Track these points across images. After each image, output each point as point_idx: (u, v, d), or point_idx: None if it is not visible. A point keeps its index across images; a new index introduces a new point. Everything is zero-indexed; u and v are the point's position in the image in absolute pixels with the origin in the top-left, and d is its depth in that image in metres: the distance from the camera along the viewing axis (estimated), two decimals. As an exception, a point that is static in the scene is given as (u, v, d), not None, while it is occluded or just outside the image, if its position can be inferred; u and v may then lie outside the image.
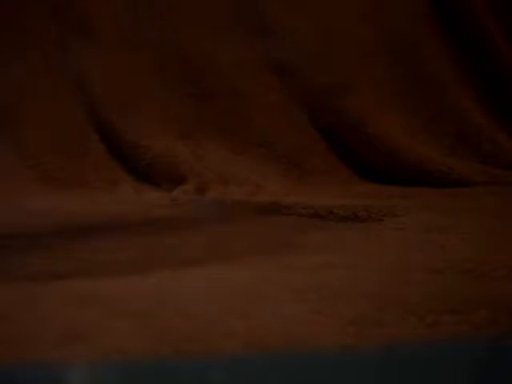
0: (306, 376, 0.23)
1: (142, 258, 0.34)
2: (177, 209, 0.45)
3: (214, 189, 0.48)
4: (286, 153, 0.53)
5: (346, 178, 0.52)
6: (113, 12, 0.54)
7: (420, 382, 0.23)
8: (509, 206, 0.40)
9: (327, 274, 0.30)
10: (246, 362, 0.24)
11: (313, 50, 0.54)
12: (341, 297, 0.27)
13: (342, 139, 0.54)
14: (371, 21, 0.56)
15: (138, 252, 0.35)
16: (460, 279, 0.29)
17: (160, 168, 0.52)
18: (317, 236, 0.37)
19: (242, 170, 0.49)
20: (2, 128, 0.42)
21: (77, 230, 0.40)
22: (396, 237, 0.36)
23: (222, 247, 0.35)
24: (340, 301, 0.27)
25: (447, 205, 0.42)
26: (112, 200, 0.48)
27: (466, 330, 0.24)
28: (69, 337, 0.24)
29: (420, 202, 0.43)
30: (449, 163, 0.48)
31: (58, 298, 0.28)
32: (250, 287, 0.30)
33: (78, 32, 0.53)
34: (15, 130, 0.46)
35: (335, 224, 0.39)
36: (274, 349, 0.24)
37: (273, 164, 0.51)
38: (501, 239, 0.35)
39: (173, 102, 0.54)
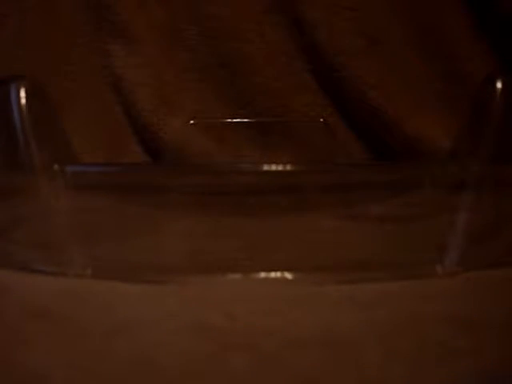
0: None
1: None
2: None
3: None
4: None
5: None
6: (149, 14, 0.55)
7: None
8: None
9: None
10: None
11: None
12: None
13: (378, 140, 0.54)
14: (406, 18, 0.55)
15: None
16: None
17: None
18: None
19: None
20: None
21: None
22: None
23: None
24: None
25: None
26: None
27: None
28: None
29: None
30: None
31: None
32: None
33: (115, 35, 0.54)
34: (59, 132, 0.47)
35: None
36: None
37: None
38: None
39: (210, 105, 0.55)
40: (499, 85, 0.36)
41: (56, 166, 0.35)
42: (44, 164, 0.35)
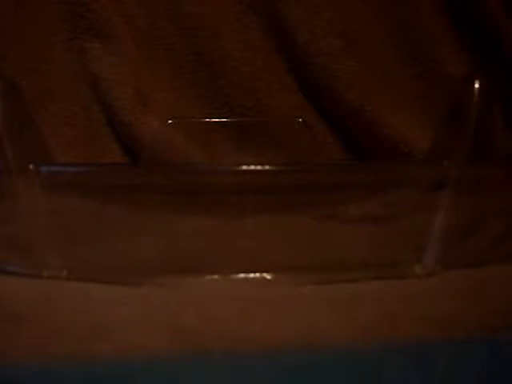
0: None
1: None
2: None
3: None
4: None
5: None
6: (127, 12, 0.54)
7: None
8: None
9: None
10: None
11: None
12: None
13: (356, 141, 0.55)
14: (384, 19, 0.55)
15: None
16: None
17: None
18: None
19: None
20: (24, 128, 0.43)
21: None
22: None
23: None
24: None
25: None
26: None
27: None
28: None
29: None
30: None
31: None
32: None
33: (92, 33, 0.54)
34: (34, 131, 0.46)
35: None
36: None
37: None
38: None
39: (188, 104, 0.55)
40: (477, 85, 0.37)
41: (31, 166, 0.34)
42: (19, 164, 0.35)
